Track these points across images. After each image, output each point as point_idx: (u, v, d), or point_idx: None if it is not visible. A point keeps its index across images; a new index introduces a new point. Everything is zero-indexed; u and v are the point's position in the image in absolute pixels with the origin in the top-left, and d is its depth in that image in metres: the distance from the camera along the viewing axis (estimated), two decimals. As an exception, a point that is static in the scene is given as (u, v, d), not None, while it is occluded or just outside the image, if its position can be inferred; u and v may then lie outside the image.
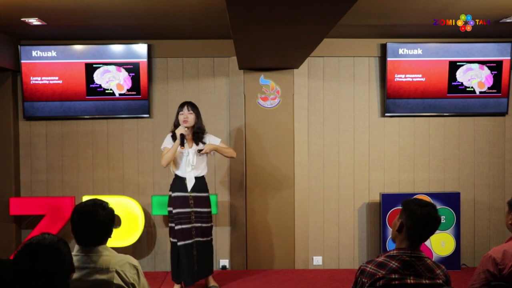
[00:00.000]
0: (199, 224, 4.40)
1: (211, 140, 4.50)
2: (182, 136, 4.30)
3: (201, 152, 4.36)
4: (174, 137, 4.41)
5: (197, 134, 4.44)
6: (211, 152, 4.46)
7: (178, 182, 4.42)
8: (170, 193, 4.46)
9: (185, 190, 4.39)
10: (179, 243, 4.35)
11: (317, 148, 5.41)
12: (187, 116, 4.37)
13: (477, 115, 5.43)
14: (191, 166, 4.38)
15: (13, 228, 5.29)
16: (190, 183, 4.40)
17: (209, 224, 4.48)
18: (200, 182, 4.45)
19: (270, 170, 5.30)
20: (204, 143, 4.44)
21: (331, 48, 5.27)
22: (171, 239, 4.44)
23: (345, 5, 2.68)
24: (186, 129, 4.34)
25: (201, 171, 4.46)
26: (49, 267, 1.86)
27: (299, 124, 5.31)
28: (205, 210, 4.46)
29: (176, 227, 4.35)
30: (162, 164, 4.39)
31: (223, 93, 5.37)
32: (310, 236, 5.42)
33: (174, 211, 4.38)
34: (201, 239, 4.41)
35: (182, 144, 4.29)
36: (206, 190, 4.51)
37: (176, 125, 4.44)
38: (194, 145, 4.42)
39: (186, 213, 4.37)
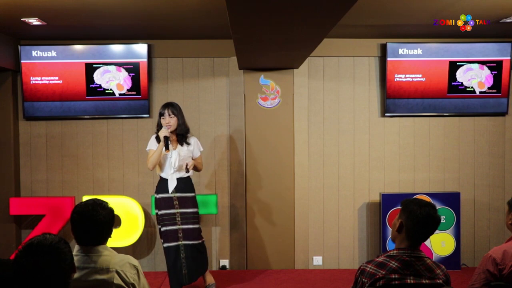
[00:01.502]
0: (186, 226, 4.32)
1: (195, 144, 4.40)
2: (166, 138, 4.21)
3: (189, 168, 4.28)
4: (158, 139, 4.32)
5: (181, 135, 4.35)
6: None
7: (162, 184, 4.36)
8: (155, 195, 4.40)
9: (168, 191, 4.31)
10: (164, 245, 4.30)
11: (317, 148, 5.42)
12: (169, 121, 4.27)
13: (477, 115, 5.43)
14: (173, 168, 4.30)
15: (13, 228, 5.29)
16: (172, 184, 4.32)
17: (197, 226, 4.37)
18: (184, 183, 4.37)
19: (270, 170, 5.30)
20: (188, 144, 4.36)
21: (331, 48, 5.27)
22: (162, 242, 4.39)
23: (345, 5, 2.68)
24: (169, 131, 4.25)
25: (184, 173, 4.38)
26: (50, 267, 1.85)
27: (299, 124, 5.31)
28: (191, 210, 4.36)
29: (162, 229, 4.31)
30: (149, 167, 4.32)
31: (223, 93, 5.37)
32: (310, 236, 5.42)
33: (160, 212, 4.32)
34: (189, 242, 4.31)
35: (166, 148, 4.21)
36: (192, 190, 4.41)
37: (159, 126, 4.34)
38: (178, 146, 4.34)
39: (171, 214, 4.30)
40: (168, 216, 4.30)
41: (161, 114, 4.32)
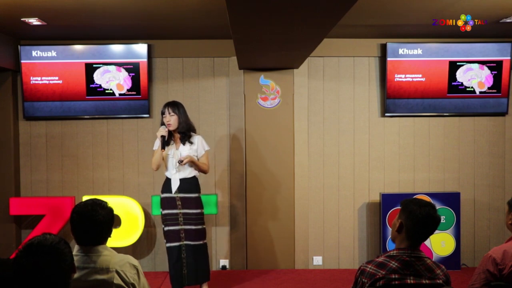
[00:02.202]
0: (189, 227, 4.28)
1: (199, 143, 4.33)
2: (163, 137, 4.21)
3: (182, 164, 4.20)
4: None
5: (183, 133, 4.29)
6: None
7: (167, 183, 4.34)
8: (161, 194, 4.39)
9: (171, 191, 4.30)
10: (167, 245, 4.30)
11: (317, 148, 5.42)
12: (169, 119, 4.24)
13: (477, 115, 5.43)
14: (175, 169, 4.27)
15: (13, 228, 5.29)
16: (174, 184, 4.29)
17: (200, 227, 4.32)
18: (188, 183, 4.31)
19: (270, 170, 5.30)
20: (191, 143, 4.30)
21: (331, 48, 5.27)
22: (165, 241, 4.39)
23: (345, 5, 2.68)
24: (166, 130, 4.23)
25: (188, 173, 4.31)
26: (50, 267, 1.85)
27: (299, 124, 5.31)
28: (194, 211, 4.31)
29: (165, 229, 4.30)
30: (152, 168, 4.33)
31: (223, 93, 5.37)
32: (310, 236, 5.42)
33: (163, 212, 4.32)
34: (191, 242, 4.27)
35: (163, 147, 4.20)
36: (196, 191, 4.34)
37: (162, 125, 4.30)
38: (181, 145, 4.29)
39: (174, 214, 4.28)
40: (171, 216, 4.29)
41: (163, 113, 4.32)
